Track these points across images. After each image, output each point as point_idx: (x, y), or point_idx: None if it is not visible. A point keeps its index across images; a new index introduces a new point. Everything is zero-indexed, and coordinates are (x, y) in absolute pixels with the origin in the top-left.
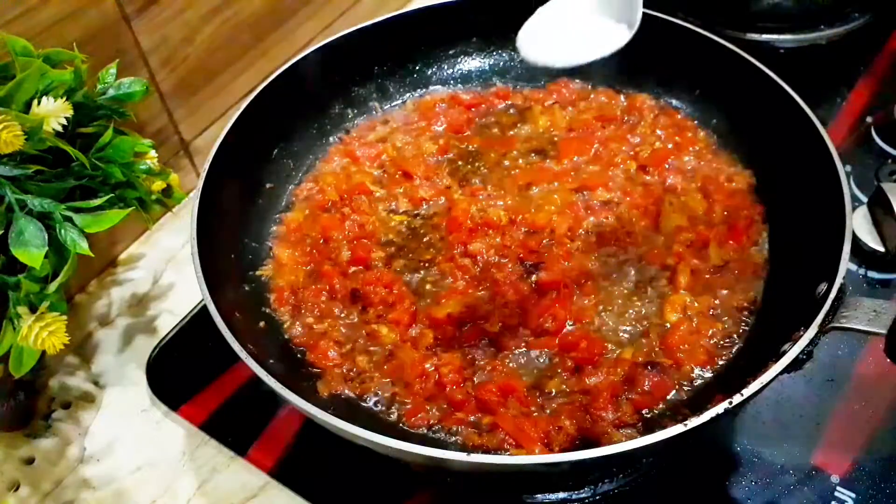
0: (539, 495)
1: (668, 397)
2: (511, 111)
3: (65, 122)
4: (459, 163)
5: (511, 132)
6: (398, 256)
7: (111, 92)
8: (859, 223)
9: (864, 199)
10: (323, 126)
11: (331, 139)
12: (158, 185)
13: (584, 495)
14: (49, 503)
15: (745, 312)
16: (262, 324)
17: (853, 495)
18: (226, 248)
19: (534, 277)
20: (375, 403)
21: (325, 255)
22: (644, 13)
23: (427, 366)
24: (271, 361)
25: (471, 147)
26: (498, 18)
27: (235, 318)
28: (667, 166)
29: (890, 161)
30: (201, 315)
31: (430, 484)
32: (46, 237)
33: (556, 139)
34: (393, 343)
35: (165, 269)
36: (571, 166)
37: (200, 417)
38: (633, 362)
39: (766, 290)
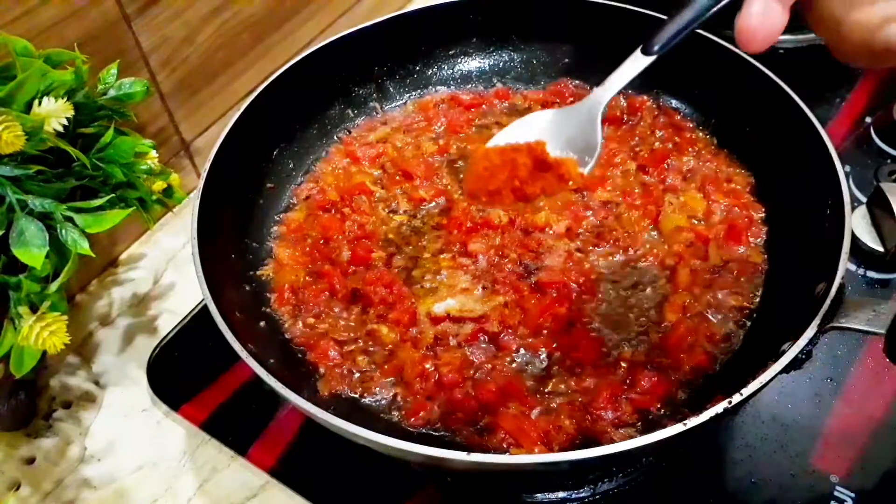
0: (539, 495)
1: (668, 397)
2: (511, 111)
3: (65, 123)
4: (459, 163)
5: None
6: (398, 256)
7: (112, 92)
8: (858, 223)
9: (864, 199)
10: (323, 126)
11: (331, 139)
12: (159, 185)
13: (583, 495)
14: (50, 503)
15: (745, 312)
16: (262, 324)
17: (853, 495)
18: (226, 248)
19: (533, 278)
20: (376, 403)
21: (325, 255)
22: (644, 14)
23: (427, 365)
24: (272, 361)
25: (471, 147)
26: (498, 18)
27: (236, 317)
28: (666, 166)
29: (889, 161)
30: (202, 315)
31: (430, 483)
32: (47, 237)
33: None
34: (393, 343)
35: (166, 269)
36: None
37: (201, 417)
38: (632, 362)
39: (765, 289)
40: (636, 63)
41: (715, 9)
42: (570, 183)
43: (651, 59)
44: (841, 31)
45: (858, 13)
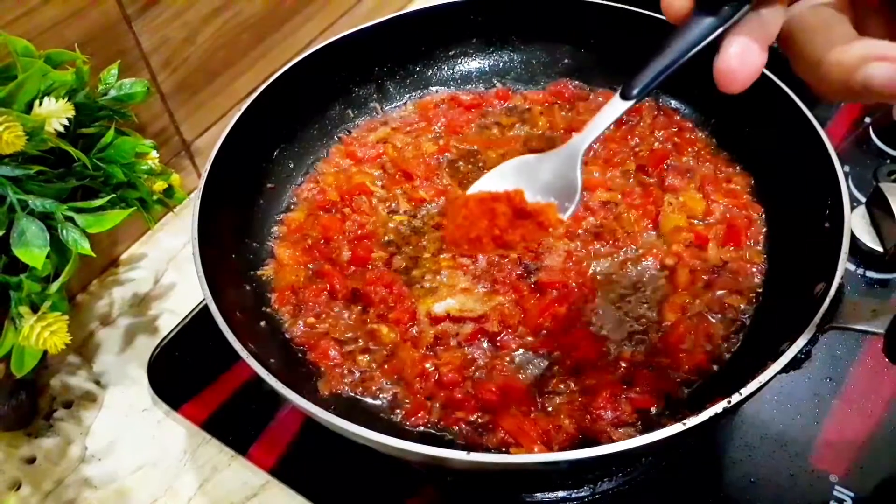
0: (539, 494)
1: (668, 397)
2: (511, 112)
3: (66, 123)
4: (459, 163)
5: (511, 132)
6: (398, 256)
7: (112, 92)
8: (858, 223)
9: (863, 199)
10: (323, 127)
11: (331, 140)
12: (160, 185)
13: (583, 494)
14: (50, 502)
15: (744, 312)
16: (262, 323)
17: (852, 495)
18: (227, 248)
19: (533, 278)
20: (376, 402)
21: (325, 255)
22: (644, 14)
23: (427, 365)
24: (272, 361)
25: (471, 147)
26: (498, 19)
27: (236, 317)
28: (666, 167)
29: (888, 161)
30: (202, 315)
31: (430, 483)
32: (48, 237)
33: (555, 139)
34: (393, 342)
35: (167, 269)
36: None
37: (201, 417)
38: (632, 362)
39: (764, 289)
40: (615, 108)
41: (692, 53)
42: (551, 230)
43: (630, 103)
44: (820, 70)
45: (837, 53)
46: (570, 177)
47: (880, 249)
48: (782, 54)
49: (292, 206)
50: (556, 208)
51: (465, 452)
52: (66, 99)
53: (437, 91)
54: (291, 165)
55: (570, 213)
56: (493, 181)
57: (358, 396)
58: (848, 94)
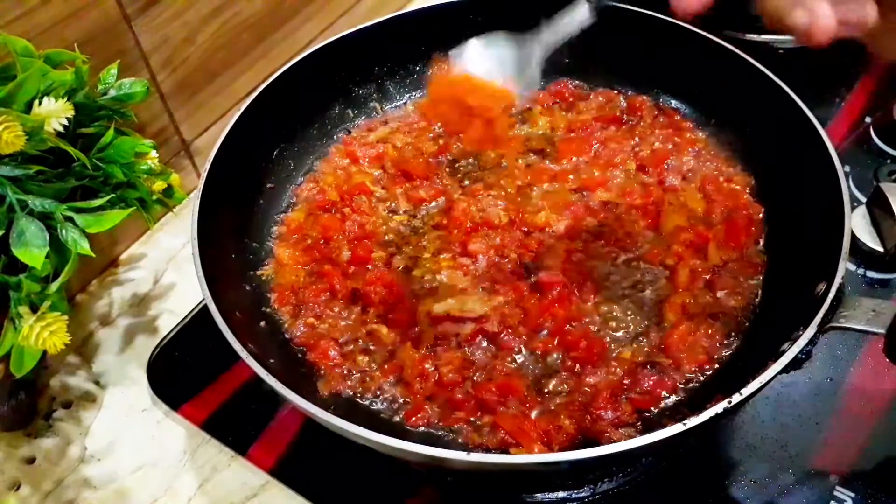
0: (539, 494)
1: (668, 397)
2: (511, 111)
3: (66, 123)
4: (459, 163)
5: (511, 132)
6: (398, 256)
7: (112, 92)
8: (858, 223)
9: (863, 199)
10: (323, 126)
11: (331, 139)
12: (159, 185)
13: (583, 494)
14: (50, 503)
15: (745, 312)
16: (262, 323)
17: (852, 495)
18: (226, 248)
19: (533, 278)
20: (376, 403)
21: (325, 255)
22: (644, 14)
23: (427, 366)
24: (272, 361)
25: (470, 147)
26: (498, 18)
27: (236, 317)
28: (666, 167)
29: (889, 161)
30: (202, 315)
31: (430, 483)
32: (47, 237)
33: (555, 139)
34: (393, 343)
35: (166, 269)
36: (571, 166)
37: (201, 417)
38: (632, 362)
39: (765, 289)
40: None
41: None
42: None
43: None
44: (766, 5)
45: None
46: (532, 68)
47: (881, 249)
48: (783, 50)
49: (292, 206)
50: (510, 92)
51: (465, 452)
52: (65, 99)
53: None
54: (291, 165)
55: (521, 90)
56: (470, 55)
57: (358, 397)
58: (785, 30)
